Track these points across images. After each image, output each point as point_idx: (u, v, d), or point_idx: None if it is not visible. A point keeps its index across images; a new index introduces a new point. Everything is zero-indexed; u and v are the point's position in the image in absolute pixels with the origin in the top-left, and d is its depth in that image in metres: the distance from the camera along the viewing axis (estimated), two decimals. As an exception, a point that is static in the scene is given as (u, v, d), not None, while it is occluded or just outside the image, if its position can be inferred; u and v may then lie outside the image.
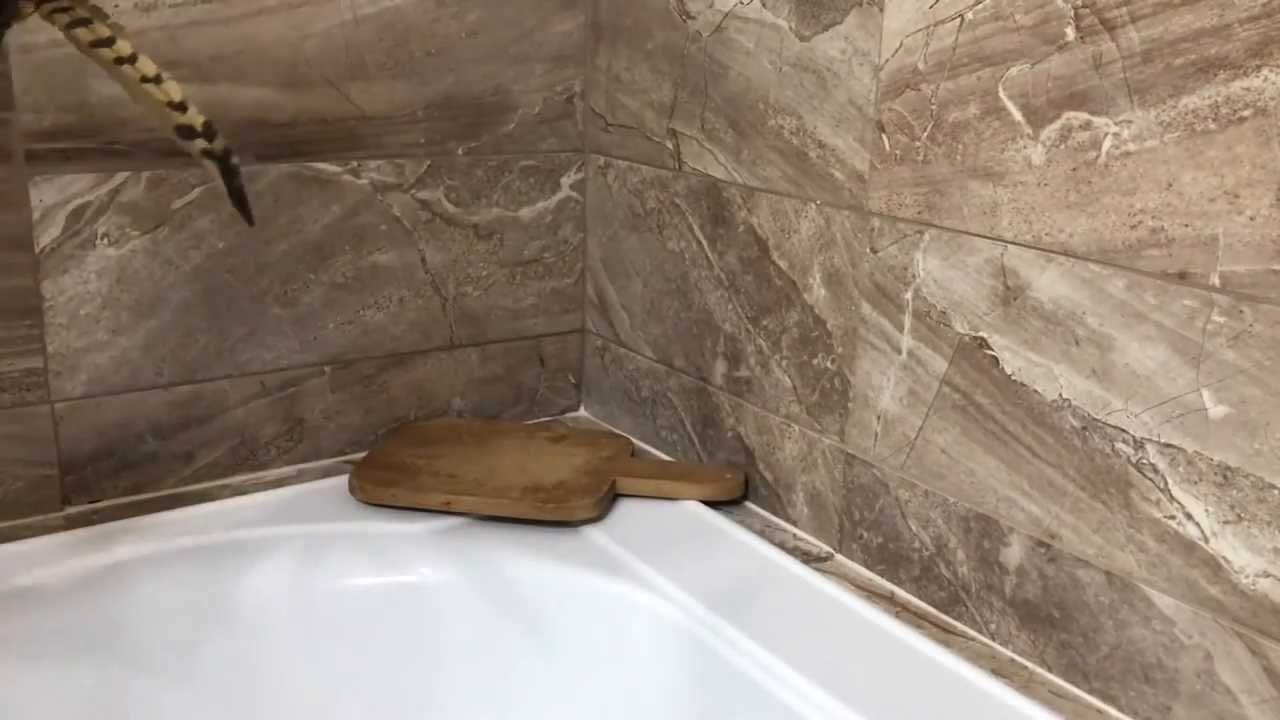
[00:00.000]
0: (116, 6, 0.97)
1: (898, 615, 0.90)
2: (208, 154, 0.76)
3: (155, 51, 0.99)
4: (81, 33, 0.73)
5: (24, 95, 0.95)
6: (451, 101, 1.15)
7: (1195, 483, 0.72)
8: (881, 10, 0.88)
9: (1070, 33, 0.75)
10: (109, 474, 1.05)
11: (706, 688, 0.88)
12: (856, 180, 0.92)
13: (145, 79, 0.74)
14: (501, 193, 1.20)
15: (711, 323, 1.10)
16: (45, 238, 0.98)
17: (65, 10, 0.73)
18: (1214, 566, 0.72)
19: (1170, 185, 0.71)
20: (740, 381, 1.08)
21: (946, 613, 0.90)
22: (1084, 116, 0.75)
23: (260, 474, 1.12)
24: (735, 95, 1.03)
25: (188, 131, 0.75)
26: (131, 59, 0.74)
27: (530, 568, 0.98)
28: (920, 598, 0.93)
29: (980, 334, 0.84)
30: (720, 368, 1.10)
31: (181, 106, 0.75)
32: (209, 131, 0.75)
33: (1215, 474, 0.71)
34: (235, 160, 0.77)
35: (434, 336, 1.20)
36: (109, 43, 0.74)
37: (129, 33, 0.78)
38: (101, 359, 1.03)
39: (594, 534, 1.01)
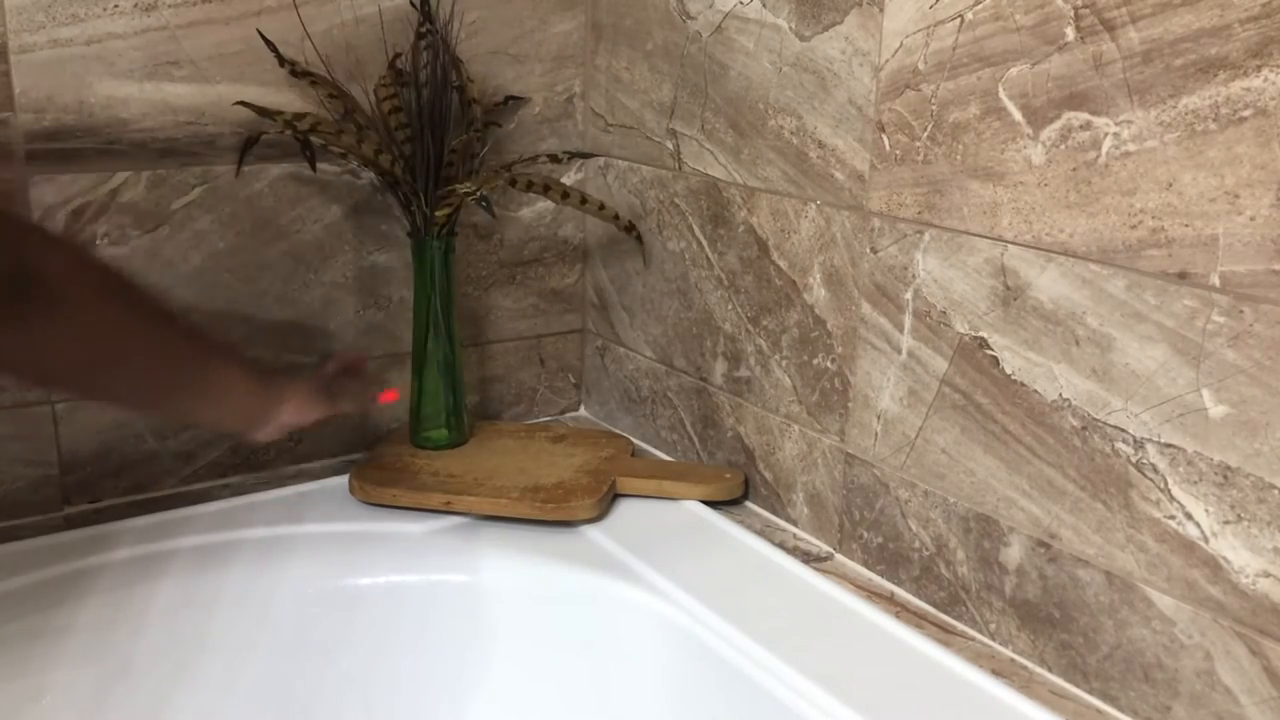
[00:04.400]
0: (116, 6, 0.97)
1: (898, 615, 0.90)
2: (637, 238, 1.17)
3: (155, 51, 0.99)
4: (552, 192, 1.10)
5: (24, 95, 0.95)
6: (451, 101, 1.14)
7: (1195, 483, 0.72)
8: (881, 10, 0.88)
9: (1070, 33, 0.75)
10: (109, 474, 1.05)
11: (706, 687, 0.88)
12: (856, 180, 0.92)
13: (602, 207, 1.14)
14: (501, 192, 1.20)
15: (711, 323, 1.10)
16: (45, 238, 0.98)
17: (513, 181, 1.08)
18: (1214, 566, 0.72)
19: (1170, 185, 0.71)
20: (740, 381, 1.08)
21: (946, 613, 0.90)
22: (1084, 116, 0.75)
23: (260, 474, 1.12)
24: (735, 95, 1.03)
25: (628, 228, 1.16)
26: (574, 196, 1.12)
27: (530, 568, 0.98)
28: (920, 598, 0.93)
29: (980, 334, 0.84)
30: (720, 368, 1.10)
31: (617, 216, 1.15)
32: (631, 224, 1.16)
33: (1215, 474, 0.71)
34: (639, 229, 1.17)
35: (434, 336, 1.20)
36: (565, 193, 1.10)
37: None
38: (101, 359, 1.03)
39: (594, 534, 1.01)
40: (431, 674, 0.99)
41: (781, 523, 1.06)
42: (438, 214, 1.06)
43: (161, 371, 0.79)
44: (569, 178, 1.23)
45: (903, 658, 0.84)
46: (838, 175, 0.94)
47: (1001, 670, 0.84)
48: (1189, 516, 0.73)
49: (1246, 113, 0.67)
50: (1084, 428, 0.78)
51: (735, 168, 1.04)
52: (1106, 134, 0.74)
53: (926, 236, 0.87)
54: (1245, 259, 0.68)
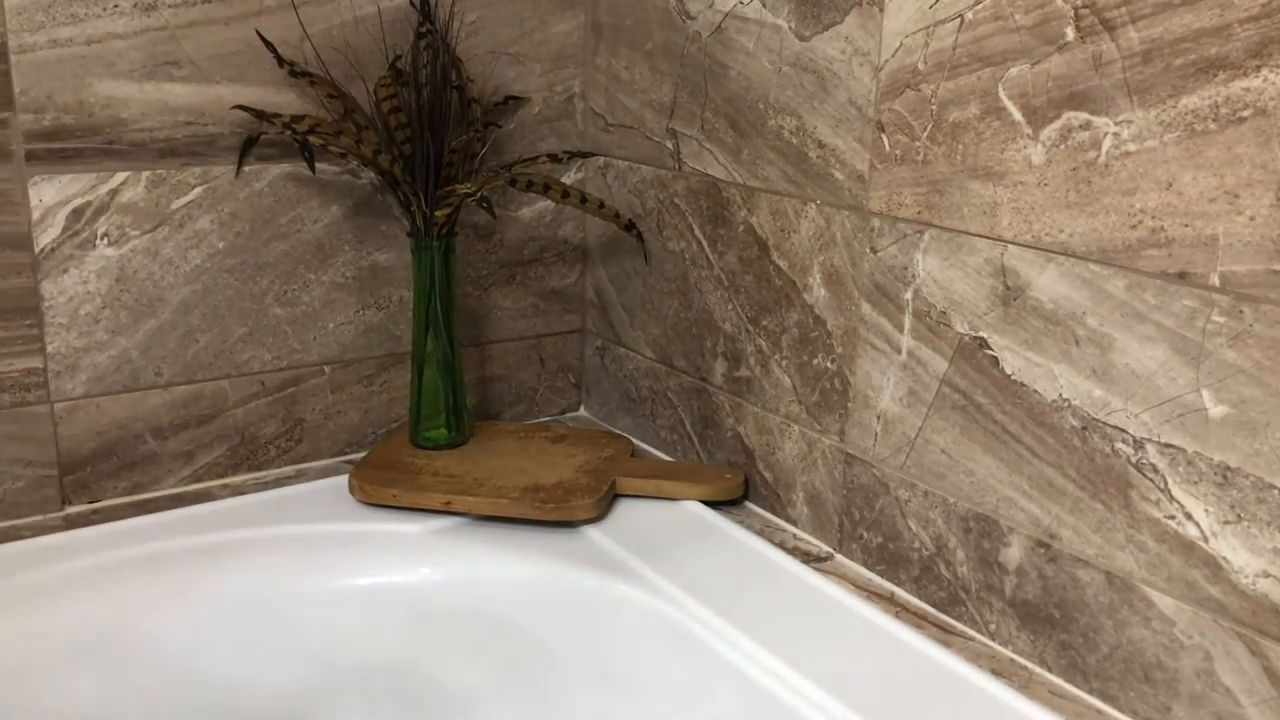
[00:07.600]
0: (116, 6, 0.97)
1: (898, 615, 0.90)
2: (637, 236, 1.17)
3: (155, 51, 0.99)
4: (552, 192, 1.10)
5: (24, 95, 0.95)
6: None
7: (1195, 483, 0.72)
8: (881, 10, 0.88)
9: (1070, 33, 0.75)
10: (109, 474, 1.05)
11: (706, 687, 0.88)
12: (856, 180, 0.92)
13: (602, 205, 1.14)
14: (501, 192, 1.20)
15: (711, 323, 1.10)
16: (45, 238, 0.99)
17: (513, 181, 1.08)
18: (1214, 566, 0.72)
19: (1170, 185, 0.71)
20: (740, 381, 1.08)
21: (946, 613, 0.90)
22: (1084, 116, 0.75)
23: (260, 474, 1.13)
24: (735, 95, 1.03)
25: (628, 226, 1.16)
26: (574, 196, 1.11)
27: (530, 568, 0.98)
28: (920, 598, 0.93)
29: (980, 334, 0.84)
30: (720, 368, 1.10)
31: (617, 214, 1.15)
32: (631, 221, 1.16)
33: (1215, 474, 0.71)
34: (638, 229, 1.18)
35: (434, 336, 1.20)
36: (565, 192, 1.10)
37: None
38: (101, 359, 1.03)
39: (594, 534, 1.01)
40: (431, 674, 0.99)
41: (781, 523, 1.06)
42: (438, 214, 1.06)
43: None
44: (569, 178, 1.23)
45: (903, 658, 0.84)
46: (838, 175, 0.94)
47: (1001, 670, 0.84)
48: (1189, 516, 0.73)
49: (1246, 113, 0.67)
50: (1084, 428, 0.78)
51: (735, 168, 1.04)
52: (1106, 134, 0.74)
53: (926, 236, 0.87)
54: (1245, 259, 0.68)
